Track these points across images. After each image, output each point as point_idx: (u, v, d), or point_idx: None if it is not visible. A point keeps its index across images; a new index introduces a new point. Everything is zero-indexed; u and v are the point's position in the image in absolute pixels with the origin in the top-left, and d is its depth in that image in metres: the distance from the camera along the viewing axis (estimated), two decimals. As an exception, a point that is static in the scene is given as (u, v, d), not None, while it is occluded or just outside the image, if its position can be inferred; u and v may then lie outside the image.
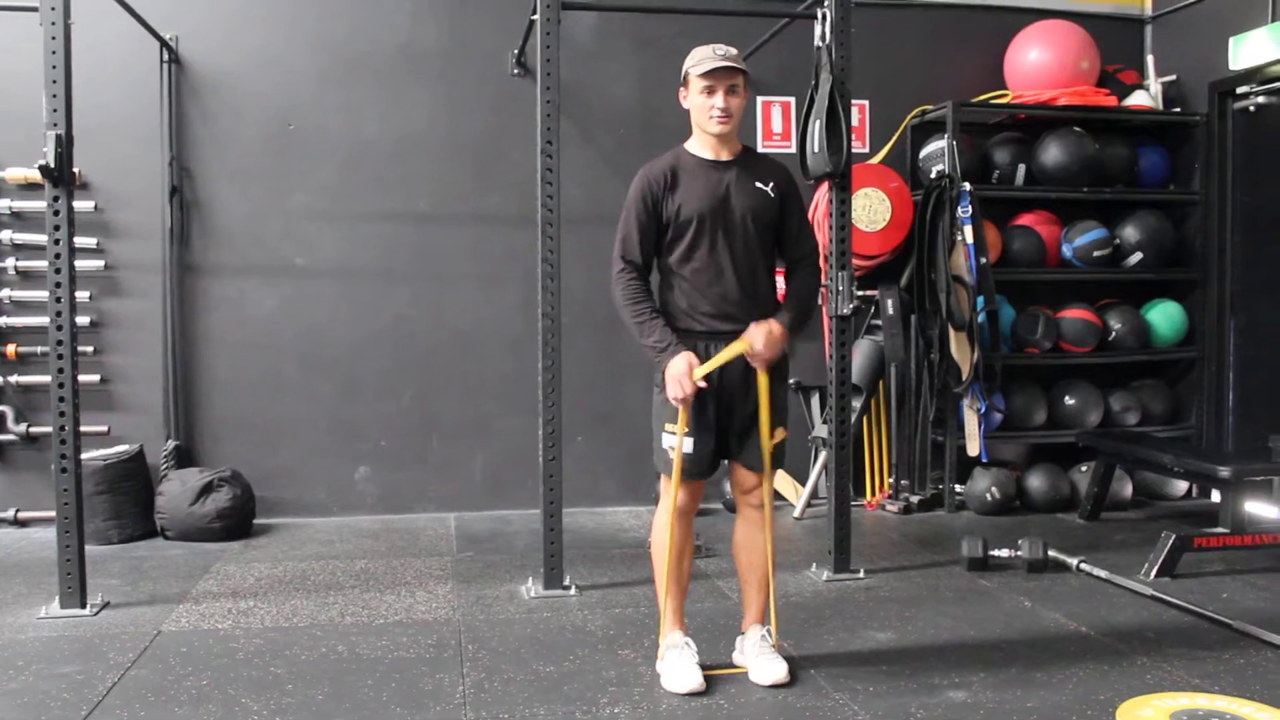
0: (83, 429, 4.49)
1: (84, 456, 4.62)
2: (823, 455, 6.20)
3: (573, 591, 4.62)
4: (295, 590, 4.73)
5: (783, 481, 6.53)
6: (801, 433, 6.58)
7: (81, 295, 5.69)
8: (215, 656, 3.84)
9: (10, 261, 5.89)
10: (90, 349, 5.93)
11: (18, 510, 5.92)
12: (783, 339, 3.51)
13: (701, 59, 3.47)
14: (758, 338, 3.45)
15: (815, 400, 6.55)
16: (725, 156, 3.56)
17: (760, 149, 6.54)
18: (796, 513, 6.22)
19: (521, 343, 5.97)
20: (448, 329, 6.35)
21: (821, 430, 6.30)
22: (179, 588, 4.76)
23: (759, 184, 3.56)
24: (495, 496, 6.37)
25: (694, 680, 3.47)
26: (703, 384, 3.42)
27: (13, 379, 5.89)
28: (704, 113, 3.49)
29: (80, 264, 5.18)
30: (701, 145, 3.57)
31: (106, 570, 5.01)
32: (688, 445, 3.51)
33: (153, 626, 4.19)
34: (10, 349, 5.89)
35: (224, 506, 5.65)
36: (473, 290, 6.33)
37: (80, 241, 5.53)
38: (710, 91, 3.45)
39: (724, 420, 3.56)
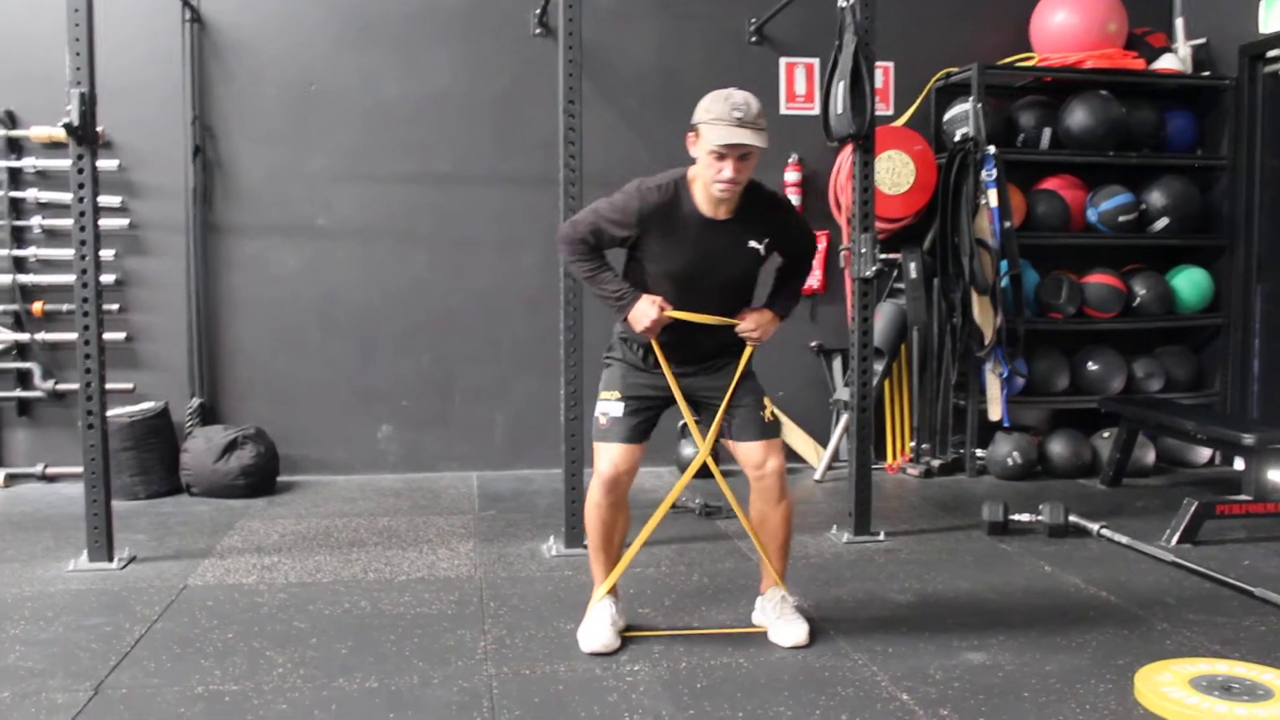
0: (109, 386, 4.53)
1: (110, 413, 4.66)
2: (844, 418, 6.20)
3: (593, 551, 4.65)
4: (319, 546, 4.77)
5: (804, 444, 6.54)
6: (823, 396, 6.59)
7: (106, 254, 5.71)
8: (240, 610, 3.89)
9: (36, 220, 5.92)
10: (115, 307, 5.98)
11: (46, 466, 5.98)
12: (775, 324, 3.56)
13: (716, 118, 3.21)
14: (751, 324, 3.49)
15: (837, 363, 6.55)
16: (724, 215, 3.36)
17: (783, 110, 6.53)
18: (817, 475, 6.23)
19: (542, 303, 5.97)
20: (468, 289, 6.36)
21: (843, 393, 6.29)
22: (204, 543, 4.81)
23: (752, 243, 3.42)
24: (517, 456, 6.40)
25: (601, 639, 3.48)
26: (670, 314, 3.40)
27: (39, 336, 5.94)
28: (709, 173, 3.27)
29: (105, 223, 5.21)
30: (703, 194, 3.34)
31: (133, 525, 5.07)
32: (616, 409, 3.49)
33: (179, 580, 4.24)
34: (37, 306, 5.93)
35: (248, 464, 5.70)
36: (493, 251, 6.34)
37: (104, 200, 5.57)
38: (719, 158, 3.22)
39: (697, 403, 3.57)
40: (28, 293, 5.96)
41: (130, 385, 5.98)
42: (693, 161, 3.37)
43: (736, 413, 3.53)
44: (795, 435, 6.58)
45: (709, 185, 3.30)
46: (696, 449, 3.63)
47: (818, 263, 6.54)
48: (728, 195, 3.31)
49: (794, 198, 6.49)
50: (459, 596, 4.07)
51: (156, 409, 5.89)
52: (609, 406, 3.51)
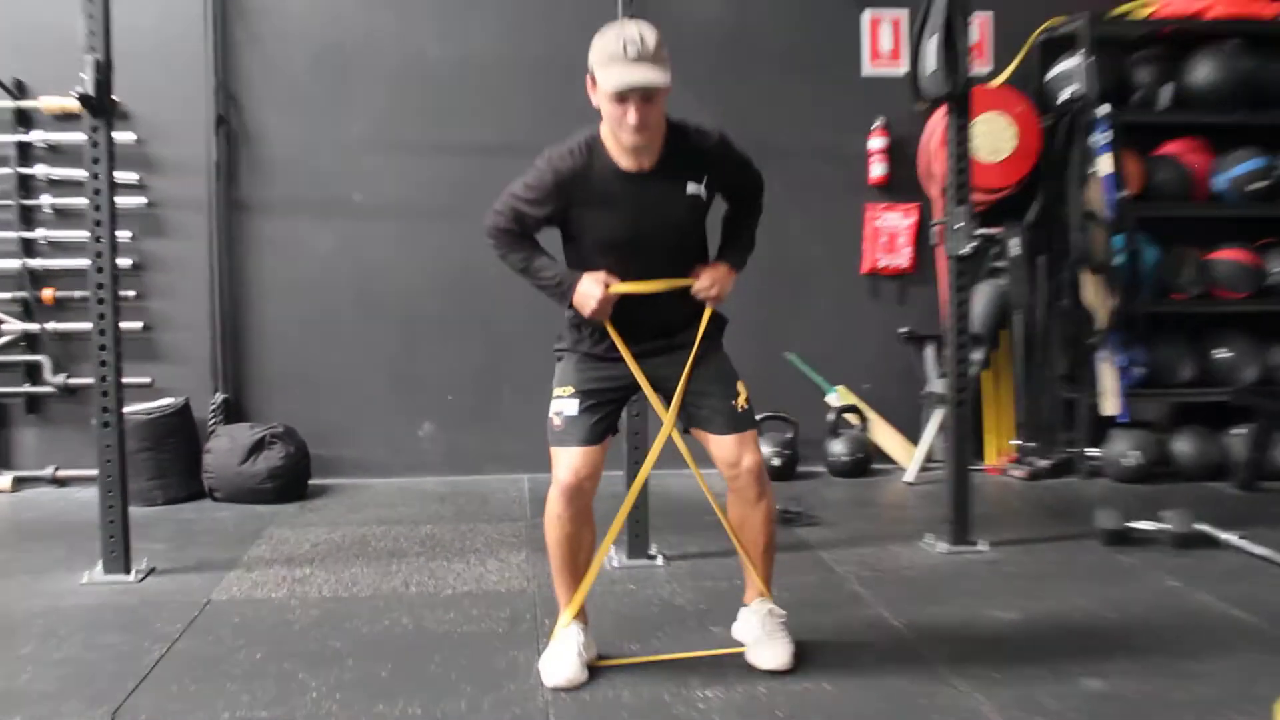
0: (125, 380, 4.56)
1: (126, 410, 4.69)
2: (938, 413, 6.13)
3: (659, 562, 4.63)
4: (355, 557, 4.79)
5: (893, 442, 6.49)
6: (914, 388, 6.52)
7: (122, 235, 5.76)
8: (269, 628, 3.90)
9: (46, 199, 5.99)
10: (132, 293, 6.05)
11: (56, 468, 6.06)
12: (731, 278, 3.46)
13: (609, 57, 3.12)
14: (706, 280, 3.40)
15: (929, 352, 6.48)
16: (647, 165, 3.26)
17: (867, 71, 6.46)
18: (909, 477, 6.19)
19: (600, 287, 5.96)
20: (519, 272, 6.34)
21: (936, 385, 6.22)
22: (229, 553, 4.84)
23: (689, 188, 3.32)
24: (571, 457, 6.38)
25: (566, 673, 3.37)
26: (617, 288, 3.33)
27: (50, 326, 6.01)
28: (615, 122, 3.16)
29: (121, 201, 5.25)
30: (618, 148, 3.25)
31: (151, 534, 5.11)
32: (572, 407, 3.42)
33: (202, 595, 4.26)
34: (47, 294, 6.00)
35: (276, 465, 5.74)
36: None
37: (121, 176, 5.60)
38: (620, 101, 3.12)
39: (660, 388, 3.47)
40: (37, 278, 6.04)
41: (148, 379, 6.05)
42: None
43: (702, 401, 3.44)
44: (883, 432, 6.53)
45: (619, 136, 3.20)
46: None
47: (907, 239, 6.49)
48: (639, 143, 3.19)
49: (879, 167, 6.43)
50: (511, 613, 4.06)
51: (176, 406, 5.95)
52: (563, 405, 3.44)
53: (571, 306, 3.42)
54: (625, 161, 3.27)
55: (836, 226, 6.58)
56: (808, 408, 6.48)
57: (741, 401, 3.47)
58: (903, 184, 6.51)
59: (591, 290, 3.33)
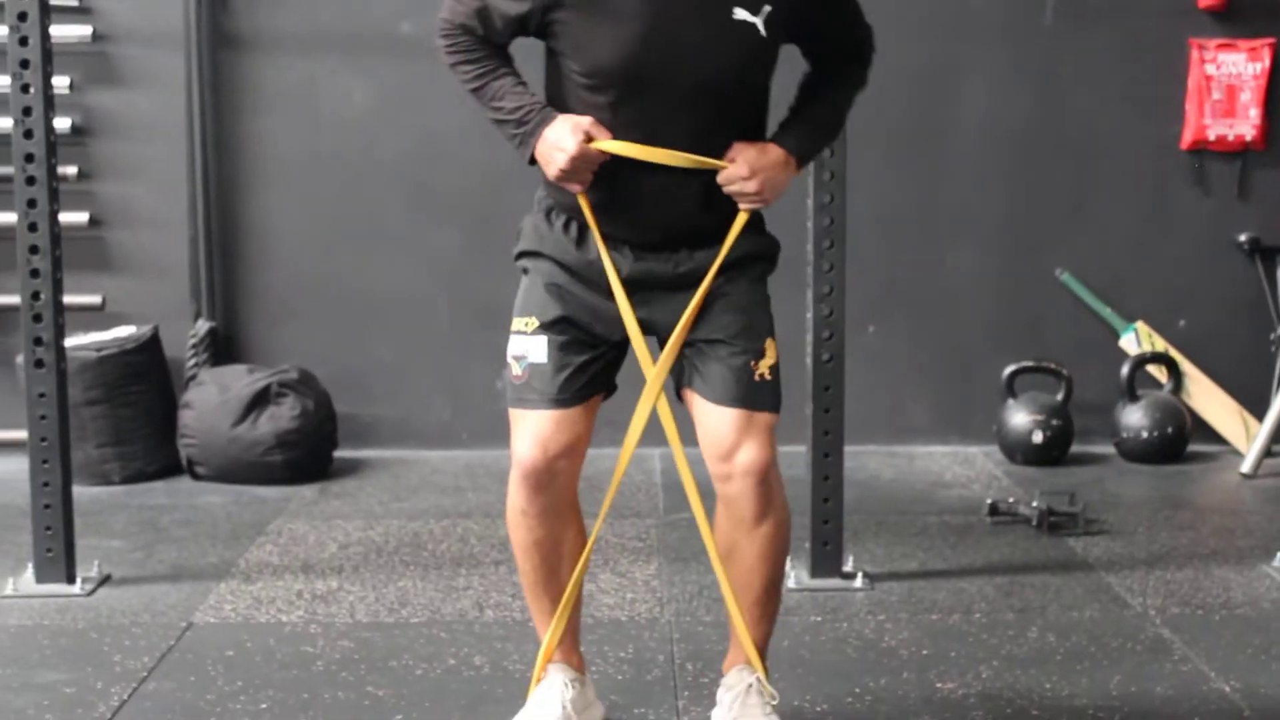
0: (66, 299, 4.63)
1: (68, 344, 4.77)
2: (1296, 367, 6.05)
3: (858, 582, 4.63)
4: (404, 565, 4.87)
5: (1224, 411, 6.40)
6: (1259, 326, 6.41)
7: (59, 83, 5.86)
8: (279, 666, 3.96)
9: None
10: (73, 170, 6.13)
11: (-35, 428, 6.23)
12: (786, 171, 3.30)
13: None
14: (741, 167, 3.21)
15: (1284, 270, 6.39)
16: None
17: None
18: (1246, 466, 6.11)
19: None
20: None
21: (1294, 323, 6.13)
22: (219, 555, 4.95)
23: (741, 11, 3.11)
24: (726, 424, 6.40)
25: None
26: (603, 145, 3.15)
27: (-46, 219, 6.17)
28: None
29: (57, 32, 5.34)
30: None
31: (105, 526, 5.25)
32: (538, 349, 3.29)
33: (179, 615, 4.35)
34: (-51, 171, 6.16)
35: (287, 428, 5.85)
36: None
37: (59, -5, 5.72)
38: None
39: (646, 322, 3.31)
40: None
41: (98, 298, 6.14)
42: None
43: (706, 349, 3.30)
44: (1208, 395, 6.43)
45: None
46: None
47: (1254, 96, 6.34)
48: None
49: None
50: (635, 652, 4.09)
51: (140, 338, 6.07)
52: (525, 345, 3.30)
53: (535, 161, 3.28)
54: None
55: (1140, 75, 6.45)
56: (1089, 355, 6.44)
57: (763, 367, 3.31)
58: (1250, 6, 6.38)
59: (563, 139, 3.15)
